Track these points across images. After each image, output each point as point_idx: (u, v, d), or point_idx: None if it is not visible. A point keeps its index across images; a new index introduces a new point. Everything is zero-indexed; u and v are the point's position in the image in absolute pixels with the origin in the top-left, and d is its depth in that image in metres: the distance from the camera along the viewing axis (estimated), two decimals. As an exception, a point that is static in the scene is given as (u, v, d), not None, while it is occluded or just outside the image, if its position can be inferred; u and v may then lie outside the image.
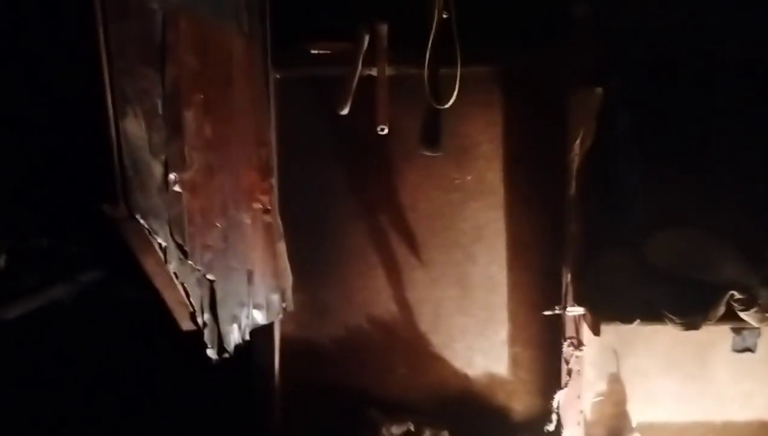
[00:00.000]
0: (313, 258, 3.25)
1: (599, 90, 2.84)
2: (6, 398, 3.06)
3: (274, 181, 3.03)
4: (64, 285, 2.75)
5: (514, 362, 3.31)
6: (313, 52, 3.07)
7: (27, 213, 2.67)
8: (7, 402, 3.06)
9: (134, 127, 1.93)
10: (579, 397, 3.19)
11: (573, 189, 2.98)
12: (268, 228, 2.96)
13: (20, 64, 2.15)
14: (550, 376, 3.25)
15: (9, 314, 2.58)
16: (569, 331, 3.15)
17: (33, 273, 2.76)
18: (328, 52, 3.08)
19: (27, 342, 2.97)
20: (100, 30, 1.77)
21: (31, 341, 2.99)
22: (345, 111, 2.97)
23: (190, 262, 2.24)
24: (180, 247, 2.19)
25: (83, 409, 3.21)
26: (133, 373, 3.25)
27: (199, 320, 2.36)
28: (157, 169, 2.06)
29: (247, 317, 2.75)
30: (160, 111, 2.07)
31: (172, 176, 2.13)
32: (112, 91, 1.82)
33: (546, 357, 3.27)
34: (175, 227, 2.15)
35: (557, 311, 3.12)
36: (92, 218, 2.27)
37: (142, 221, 1.96)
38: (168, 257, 2.12)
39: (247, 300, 2.74)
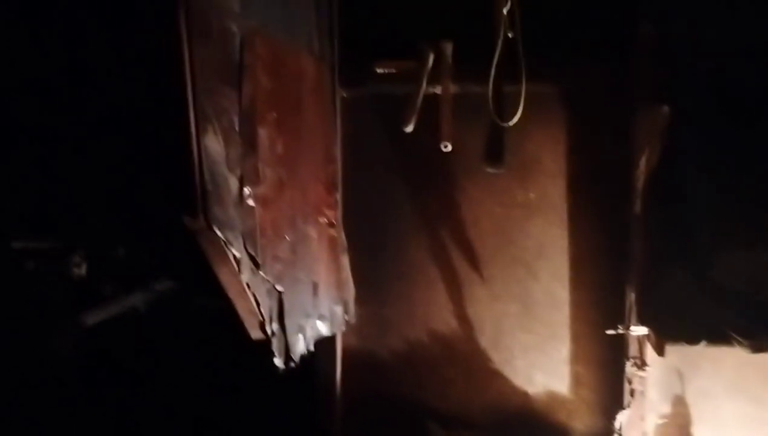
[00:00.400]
0: (375, 272, 3.31)
1: (665, 107, 2.82)
2: (83, 402, 3.19)
3: (339, 196, 3.11)
4: (140, 293, 2.88)
5: (576, 380, 3.28)
6: (378, 71, 3.15)
7: (106, 224, 2.81)
8: (84, 407, 3.19)
9: (213, 144, 2.02)
10: (642, 418, 3.14)
11: (637, 207, 2.95)
12: (332, 241, 3.03)
13: (108, 82, 2.29)
14: (613, 396, 3.21)
15: (89, 320, 2.72)
16: (633, 350, 3.11)
17: (111, 281, 2.89)
18: (393, 70, 3.15)
19: (104, 348, 3.10)
20: (185, 52, 1.87)
21: (107, 347, 3.12)
22: (409, 128, 3.03)
23: (261, 273, 2.33)
24: (252, 258, 2.27)
25: (155, 413, 3.32)
26: (202, 380, 3.34)
27: (268, 330, 2.43)
28: (233, 183, 2.16)
29: (312, 328, 2.82)
30: (236, 128, 2.16)
31: (246, 190, 2.22)
32: (195, 110, 1.92)
33: (608, 377, 3.24)
34: (249, 238, 2.24)
35: (620, 330, 3.08)
36: (167, 229, 2.39)
37: (218, 233, 2.05)
38: (241, 268, 2.20)
39: (312, 311, 2.81)
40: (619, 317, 3.10)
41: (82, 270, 2.78)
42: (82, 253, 2.76)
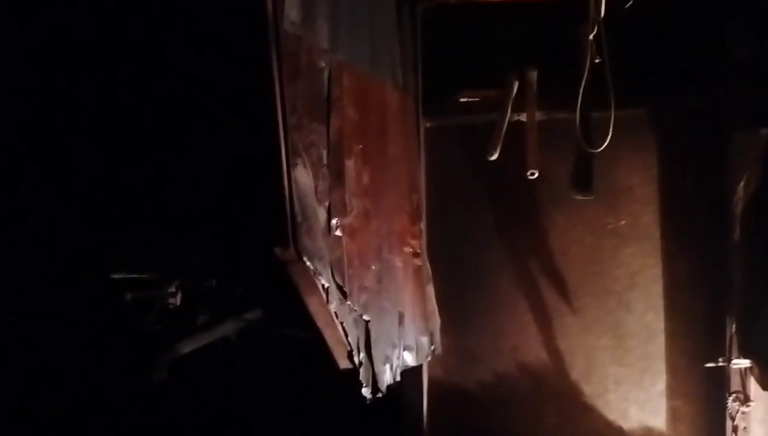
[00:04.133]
0: (461, 302, 3.28)
1: (764, 131, 2.71)
2: (174, 429, 3.28)
3: (423, 225, 3.12)
4: (231, 323, 2.96)
5: (673, 416, 3.14)
6: (462, 100, 3.16)
7: (200, 256, 2.91)
8: (175, 432, 3.28)
9: (303, 177, 2.07)
10: (746, 457, 2.97)
11: (737, 235, 2.83)
12: (417, 271, 3.03)
13: (204, 121, 2.39)
14: (713, 433, 3.07)
15: (184, 348, 2.81)
16: (734, 385, 2.96)
17: (204, 311, 2.99)
18: (477, 99, 3.16)
19: (196, 376, 3.19)
20: (276, 91, 1.94)
21: (200, 374, 3.22)
22: (494, 157, 3.01)
23: (348, 302, 2.35)
24: (340, 288, 2.30)
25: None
26: (290, 409, 3.39)
27: (356, 359, 2.45)
28: (322, 214, 2.20)
29: (398, 358, 2.82)
30: (325, 160, 2.22)
31: (334, 221, 2.26)
32: (285, 145, 1.97)
33: (708, 412, 3.09)
34: (336, 268, 2.27)
35: (721, 363, 2.94)
36: (258, 260, 2.45)
37: (308, 263, 2.08)
38: (329, 298, 2.23)
39: (398, 341, 2.81)
40: (718, 349, 2.98)
41: (177, 300, 2.89)
42: (177, 284, 2.87)
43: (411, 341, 2.93)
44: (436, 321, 3.19)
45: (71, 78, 2.44)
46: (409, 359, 2.91)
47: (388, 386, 2.68)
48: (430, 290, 3.15)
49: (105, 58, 2.35)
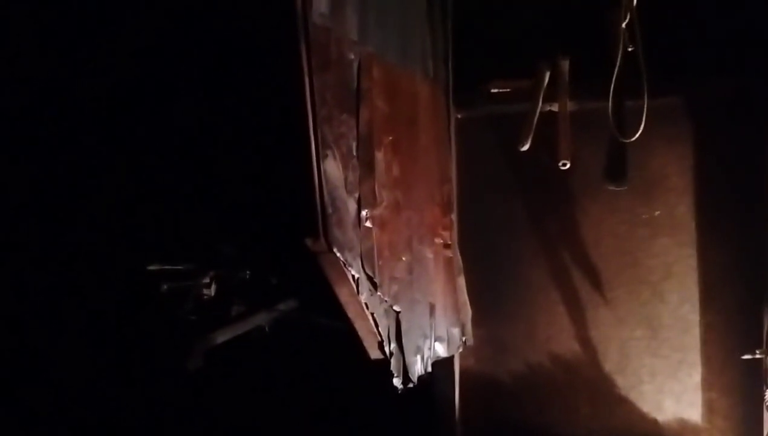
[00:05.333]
0: (493, 293, 3.27)
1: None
2: (209, 416, 3.34)
3: (454, 216, 3.11)
4: (265, 313, 3.00)
5: (709, 408, 3.09)
6: (493, 90, 3.14)
7: (233, 247, 2.95)
8: (210, 421, 3.34)
9: (333, 168, 2.09)
10: (784, 451, 2.92)
11: (775, 224, 2.77)
12: (448, 262, 3.03)
13: (234, 113, 2.43)
14: (750, 425, 3.01)
15: (218, 338, 2.86)
16: (772, 377, 2.90)
17: (238, 301, 3.03)
18: (508, 90, 3.13)
19: (231, 365, 3.24)
20: (306, 83, 1.95)
21: (234, 364, 3.27)
22: (526, 147, 3.00)
23: (379, 293, 2.36)
24: (370, 279, 2.31)
25: (278, 431, 3.43)
26: (322, 399, 3.42)
27: (387, 350, 2.46)
28: (352, 206, 2.21)
29: (429, 349, 2.82)
30: (354, 152, 2.23)
31: (364, 213, 2.27)
32: (315, 137, 1.99)
33: (745, 404, 3.03)
34: (367, 260, 2.29)
35: (758, 355, 2.89)
36: (290, 252, 2.47)
37: (338, 254, 2.10)
38: (360, 288, 2.25)
39: (429, 332, 2.82)
40: (755, 341, 2.92)
41: (212, 291, 2.93)
42: (211, 275, 2.92)
43: (442, 332, 2.94)
44: (468, 312, 3.19)
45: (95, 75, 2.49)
46: (441, 350, 2.92)
47: (420, 377, 2.69)
48: (462, 281, 3.15)
49: (133, 43, 2.39)
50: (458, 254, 3.12)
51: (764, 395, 2.92)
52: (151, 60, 2.44)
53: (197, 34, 2.42)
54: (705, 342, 3.07)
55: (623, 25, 2.76)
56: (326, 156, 2.05)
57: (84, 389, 2.94)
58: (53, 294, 2.85)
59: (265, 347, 3.12)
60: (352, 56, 2.21)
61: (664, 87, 2.83)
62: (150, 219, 2.82)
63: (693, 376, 3.10)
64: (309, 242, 2.06)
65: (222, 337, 2.81)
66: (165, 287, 2.85)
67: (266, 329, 3.06)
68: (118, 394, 3.01)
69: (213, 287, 2.95)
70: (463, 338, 3.14)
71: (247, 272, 2.99)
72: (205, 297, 2.87)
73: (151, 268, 2.86)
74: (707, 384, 3.08)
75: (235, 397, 3.37)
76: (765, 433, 2.92)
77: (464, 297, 3.16)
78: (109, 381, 2.97)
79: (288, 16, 1.92)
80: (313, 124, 1.99)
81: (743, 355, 2.92)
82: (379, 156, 2.39)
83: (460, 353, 3.22)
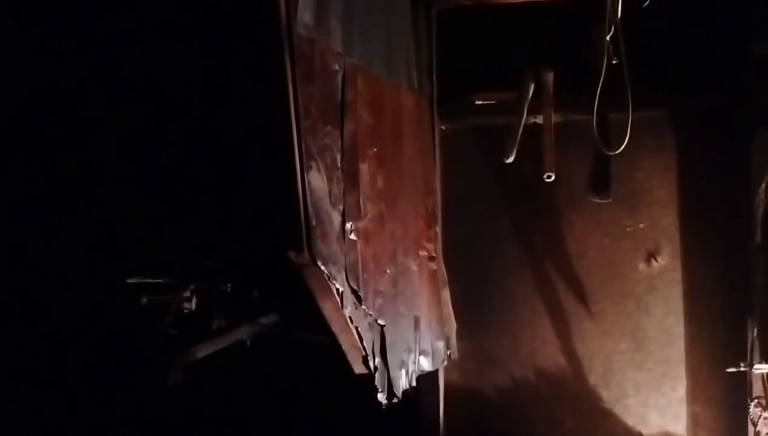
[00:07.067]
0: (477, 306, 3.25)
1: (787, 131, 2.67)
2: (192, 430, 3.29)
3: (438, 229, 3.10)
4: (247, 327, 2.96)
5: (694, 421, 3.09)
6: (477, 102, 3.14)
7: (215, 260, 2.91)
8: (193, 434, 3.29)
9: (317, 180, 2.06)
10: (769, 464, 2.92)
11: (758, 236, 2.79)
12: (433, 275, 3.01)
13: (217, 123, 2.39)
14: (736, 438, 3.01)
15: (198, 353, 2.81)
16: (756, 390, 2.91)
17: (219, 315, 2.99)
18: (493, 102, 3.13)
19: (212, 379, 3.19)
20: (290, 94, 1.93)
21: (215, 378, 3.22)
22: (510, 159, 2.99)
23: (363, 306, 2.33)
24: (355, 292, 2.28)
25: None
26: (305, 414, 3.38)
27: (371, 364, 2.43)
28: (336, 218, 2.18)
29: (414, 363, 2.79)
30: (339, 164, 2.20)
31: (349, 225, 2.25)
32: (299, 149, 1.96)
33: (730, 418, 3.04)
34: (351, 273, 2.26)
35: (742, 368, 2.89)
36: (273, 264, 2.44)
37: (322, 268, 2.07)
38: (344, 302, 2.22)
39: (414, 346, 2.79)
40: (740, 354, 2.92)
41: (192, 304, 2.88)
42: (192, 288, 2.87)
43: (427, 346, 2.91)
44: (453, 325, 3.16)
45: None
46: (426, 363, 2.89)
47: (405, 391, 2.66)
48: (446, 293, 3.13)
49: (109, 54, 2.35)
50: (443, 266, 3.11)
51: (749, 408, 2.92)
52: (131, 69, 2.40)
53: (181, 42, 2.38)
54: (689, 355, 3.07)
55: (607, 37, 2.76)
56: (310, 168, 2.02)
57: (62, 403, 2.88)
58: (30, 308, 2.79)
59: (247, 362, 3.08)
60: (337, 67, 2.19)
61: (648, 100, 2.84)
62: (130, 231, 2.77)
63: (677, 389, 3.10)
64: (292, 254, 2.02)
65: (203, 351, 2.76)
66: (145, 300, 2.80)
67: (248, 343, 3.01)
68: (96, 409, 2.95)
69: (194, 300, 2.90)
70: (448, 352, 3.12)
71: (229, 285, 2.94)
72: (186, 311, 2.82)
73: (131, 281, 2.80)
74: (692, 397, 3.09)
75: (216, 411, 3.32)
76: (749, 445, 2.91)
77: (449, 310, 3.14)
78: (88, 396, 2.91)
79: (272, 27, 1.90)
80: (297, 136, 1.96)
81: (728, 368, 2.92)
82: (364, 168, 2.37)
83: (445, 366, 3.20)
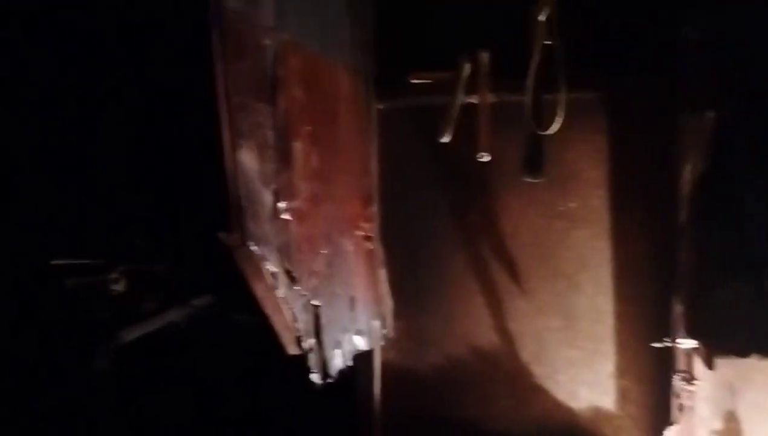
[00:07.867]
0: (413, 286, 3.26)
1: (711, 114, 2.74)
2: (119, 418, 3.21)
3: (375, 209, 3.09)
4: (179, 309, 2.90)
5: (622, 395, 3.18)
6: (414, 82, 3.13)
7: (144, 241, 2.83)
8: (120, 423, 3.21)
9: (248, 159, 2.02)
10: (691, 435, 3.03)
11: (683, 216, 2.87)
12: (369, 255, 3.01)
13: (144, 102, 2.32)
14: (660, 411, 3.08)
15: (128, 336, 2.74)
16: (681, 364, 2.99)
17: (150, 297, 2.92)
18: (430, 81, 3.12)
19: (143, 363, 3.12)
20: (219, 70, 1.87)
21: (146, 362, 3.15)
22: (446, 139, 2.99)
23: (297, 287, 2.31)
24: (288, 273, 2.26)
25: (193, 430, 3.33)
26: (240, 395, 3.35)
27: (305, 345, 2.41)
28: (268, 198, 2.15)
29: (350, 343, 2.79)
30: (271, 143, 2.16)
31: (281, 205, 2.21)
32: (230, 126, 1.91)
33: (656, 391, 3.12)
34: (284, 253, 2.23)
35: (667, 344, 2.98)
36: (204, 245, 2.39)
37: (254, 248, 2.04)
38: (277, 283, 2.19)
39: (349, 326, 2.79)
40: (666, 330, 2.99)
41: (121, 287, 2.81)
42: (121, 270, 2.80)
43: (363, 326, 2.91)
44: (389, 305, 3.17)
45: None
46: (361, 343, 2.89)
47: (341, 371, 2.66)
48: (383, 273, 3.13)
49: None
50: (379, 246, 3.10)
51: (673, 382, 3.02)
52: (51, 46, 2.30)
53: (105, 18, 2.29)
54: (618, 332, 3.14)
55: (543, 17, 2.78)
56: (241, 146, 1.98)
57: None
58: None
59: (180, 345, 3.02)
60: (268, 43, 2.14)
61: (581, 81, 2.88)
62: (55, 210, 2.67)
63: (606, 365, 3.17)
64: (223, 235, 1.98)
65: (132, 335, 2.70)
66: (71, 282, 2.71)
67: (182, 325, 2.96)
68: (21, 397, 2.84)
69: (123, 282, 2.82)
70: (384, 331, 3.13)
71: (160, 267, 2.88)
72: (114, 293, 2.74)
73: (56, 262, 2.71)
74: (620, 372, 3.16)
75: (148, 396, 3.25)
76: (674, 418, 3.01)
77: (385, 289, 3.15)
78: (10, 384, 2.81)
79: (201, 1, 1.84)
80: (227, 114, 1.92)
81: (654, 343, 3.00)
82: (297, 147, 2.33)
83: (381, 345, 3.21)
